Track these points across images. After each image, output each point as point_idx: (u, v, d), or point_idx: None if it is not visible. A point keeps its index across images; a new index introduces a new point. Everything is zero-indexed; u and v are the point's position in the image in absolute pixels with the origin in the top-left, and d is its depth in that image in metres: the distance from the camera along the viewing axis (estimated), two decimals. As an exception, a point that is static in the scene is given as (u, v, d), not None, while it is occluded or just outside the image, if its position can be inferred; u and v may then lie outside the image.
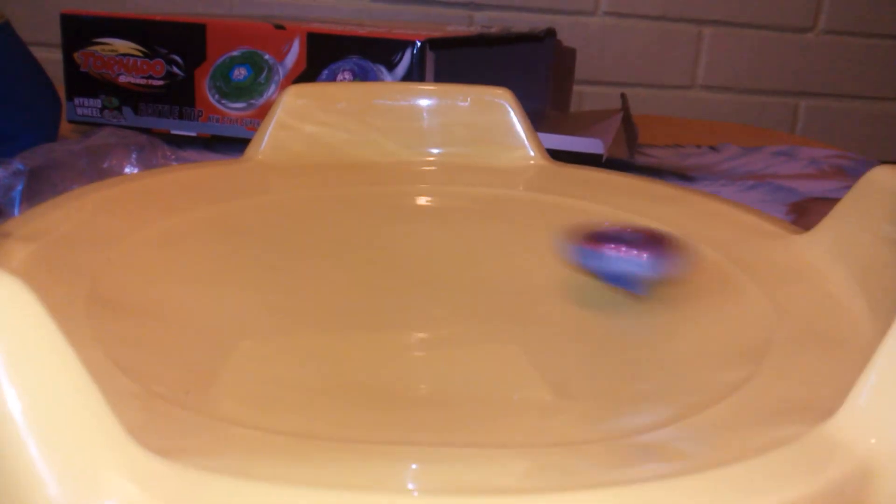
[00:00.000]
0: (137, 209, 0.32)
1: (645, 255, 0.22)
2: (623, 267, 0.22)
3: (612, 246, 0.22)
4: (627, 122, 0.62)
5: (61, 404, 0.14)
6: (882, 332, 0.17)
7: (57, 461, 0.14)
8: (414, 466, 0.17)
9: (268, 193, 0.36)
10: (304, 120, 0.39)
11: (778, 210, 0.49)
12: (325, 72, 0.54)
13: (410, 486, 0.16)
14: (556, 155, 0.42)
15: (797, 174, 0.59)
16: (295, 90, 0.40)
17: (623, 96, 0.67)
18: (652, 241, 0.23)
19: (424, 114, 0.41)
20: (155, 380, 0.20)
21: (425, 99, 0.41)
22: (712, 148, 0.68)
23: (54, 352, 0.14)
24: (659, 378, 0.23)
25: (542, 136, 0.50)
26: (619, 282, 0.22)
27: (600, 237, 0.23)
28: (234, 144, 0.57)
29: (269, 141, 0.39)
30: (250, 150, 0.39)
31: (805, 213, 0.48)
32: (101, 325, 0.23)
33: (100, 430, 0.15)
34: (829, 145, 0.72)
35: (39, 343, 0.14)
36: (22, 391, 0.14)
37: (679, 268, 0.22)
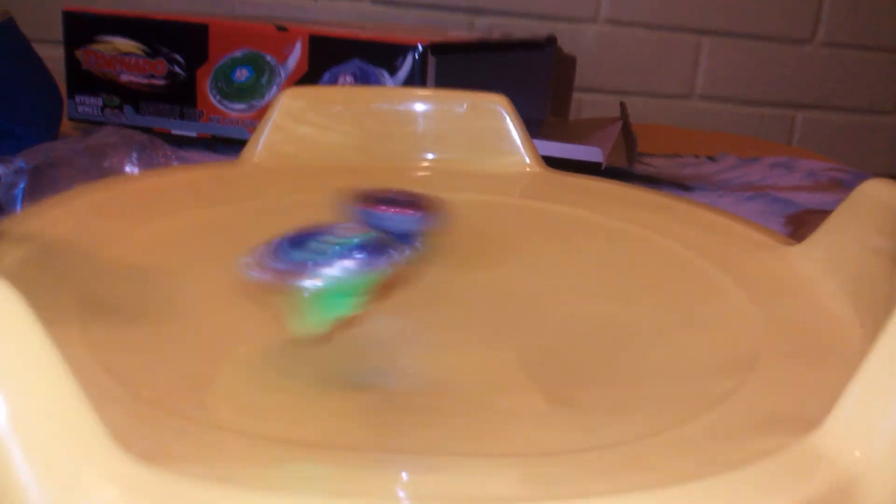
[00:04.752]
0: (132, 211, 0.32)
1: (412, 214, 0.27)
2: (397, 225, 0.26)
3: (384, 207, 0.26)
4: (626, 131, 0.62)
5: (45, 408, 0.14)
6: (871, 344, 0.17)
7: (39, 465, 0.14)
8: (404, 475, 0.17)
9: (262, 197, 0.36)
10: (301, 123, 0.39)
11: (775, 222, 0.49)
12: (327, 75, 0.54)
13: (401, 495, 0.16)
14: (555, 163, 0.42)
15: (795, 186, 0.59)
16: (292, 93, 0.40)
17: (622, 105, 0.67)
18: (416, 202, 0.27)
19: (421, 119, 0.40)
20: (144, 384, 0.20)
21: (422, 104, 0.41)
22: (710, 158, 0.68)
23: (40, 355, 0.14)
24: (648, 388, 0.23)
25: (541, 143, 0.50)
26: (395, 236, 0.27)
27: (375, 199, 0.27)
28: (235, 145, 0.57)
29: (265, 143, 0.39)
30: (246, 152, 0.39)
31: (802, 225, 0.48)
32: (92, 328, 0.22)
33: (83, 435, 0.14)
34: (825, 157, 0.72)
35: (24, 346, 0.14)
36: (4, 394, 0.14)
37: (438, 223, 0.27)
